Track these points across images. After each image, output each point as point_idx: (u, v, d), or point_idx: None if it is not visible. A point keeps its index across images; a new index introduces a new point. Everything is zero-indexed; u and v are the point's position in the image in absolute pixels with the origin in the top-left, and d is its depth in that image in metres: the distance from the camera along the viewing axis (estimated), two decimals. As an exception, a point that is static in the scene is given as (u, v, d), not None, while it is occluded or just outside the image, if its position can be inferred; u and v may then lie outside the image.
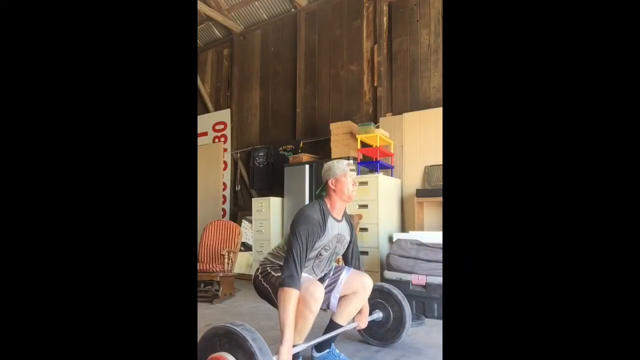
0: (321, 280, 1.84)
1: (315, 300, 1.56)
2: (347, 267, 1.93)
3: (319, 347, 1.91)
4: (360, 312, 1.93)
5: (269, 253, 1.86)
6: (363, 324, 1.94)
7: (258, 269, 1.83)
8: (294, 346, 1.63)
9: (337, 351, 1.93)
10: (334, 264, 1.93)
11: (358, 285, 1.84)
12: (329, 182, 1.76)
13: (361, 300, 1.87)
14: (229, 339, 1.32)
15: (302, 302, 1.57)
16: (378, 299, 2.14)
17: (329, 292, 1.83)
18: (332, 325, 1.90)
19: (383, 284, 2.21)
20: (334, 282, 1.86)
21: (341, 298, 1.87)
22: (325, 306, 1.83)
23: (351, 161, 1.88)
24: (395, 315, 2.11)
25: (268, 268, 1.77)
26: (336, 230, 1.77)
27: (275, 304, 1.67)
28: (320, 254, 1.76)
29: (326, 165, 1.82)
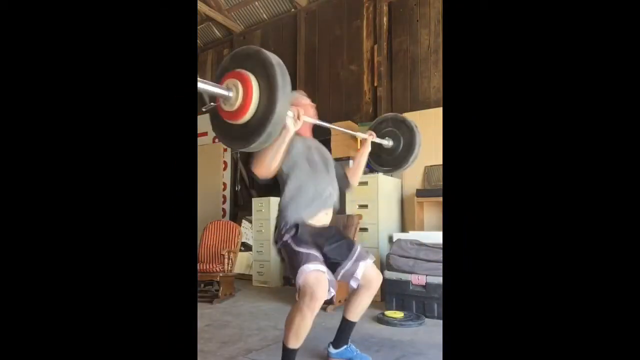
0: (336, 265, 1.78)
1: (317, 300, 1.53)
2: (367, 257, 1.87)
3: (336, 344, 1.92)
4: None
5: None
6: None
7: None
8: (290, 350, 1.62)
9: (354, 347, 1.93)
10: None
11: (372, 277, 1.82)
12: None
13: (372, 296, 1.85)
14: (262, 64, 1.21)
15: (303, 298, 1.55)
16: (391, 127, 2.15)
17: (350, 274, 1.79)
18: (345, 323, 1.90)
19: (397, 114, 2.26)
20: (353, 268, 1.80)
21: (352, 294, 1.86)
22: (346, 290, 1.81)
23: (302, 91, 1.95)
24: (406, 142, 2.12)
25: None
26: (307, 142, 1.85)
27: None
28: (311, 162, 1.80)
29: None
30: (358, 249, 1.85)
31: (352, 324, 1.90)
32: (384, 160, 2.21)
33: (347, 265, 1.78)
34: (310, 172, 1.79)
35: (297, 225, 1.71)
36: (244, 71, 1.22)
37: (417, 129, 2.15)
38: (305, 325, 1.57)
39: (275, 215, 1.83)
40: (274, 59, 1.20)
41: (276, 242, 1.80)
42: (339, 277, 1.78)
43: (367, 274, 1.80)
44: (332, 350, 1.92)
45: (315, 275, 1.57)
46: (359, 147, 3.82)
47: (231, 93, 1.21)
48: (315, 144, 1.94)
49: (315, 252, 1.67)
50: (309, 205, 1.76)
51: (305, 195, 1.76)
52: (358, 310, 1.88)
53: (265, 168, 1.62)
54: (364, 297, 1.84)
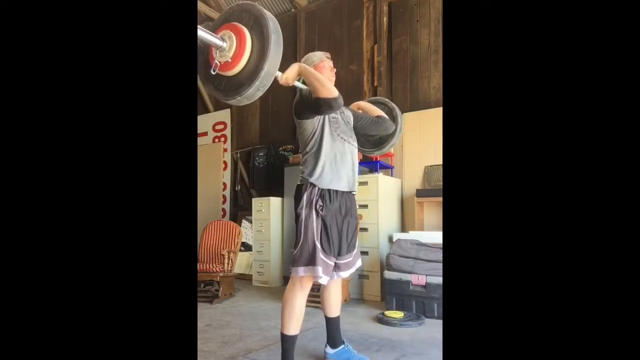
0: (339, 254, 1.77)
1: (308, 287, 1.63)
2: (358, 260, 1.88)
3: (331, 343, 1.91)
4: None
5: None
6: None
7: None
8: (290, 337, 1.64)
9: (351, 347, 1.93)
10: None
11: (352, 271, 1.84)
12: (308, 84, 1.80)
13: (340, 286, 1.89)
14: (255, 18, 1.26)
15: (295, 284, 1.62)
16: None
17: (349, 267, 1.79)
18: (329, 321, 1.90)
19: (375, 97, 2.29)
20: (346, 265, 1.80)
21: (327, 294, 1.87)
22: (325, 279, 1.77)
23: (327, 53, 1.93)
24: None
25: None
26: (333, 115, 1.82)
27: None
28: (334, 119, 1.78)
29: (303, 57, 1.90)
30: (356, 249, 1.86)
31: (336, 319, 1.90)
32: (366, 142, 2.20)
33: (342, 262, 1.78)
34: (336, 139, 1.76)
35: (323, 196, 1.68)
36: (239, 24, 1.27)
37: (398, 110, 2.17)
38: (299, 308, 1.63)
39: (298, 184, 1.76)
40: (267, 13, 1.25)
41: (304, 201, 1.70)
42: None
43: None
44: (329, 350, 1.91)
45: (308, 279, 1.64)
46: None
47: (225, 44, 1.25)
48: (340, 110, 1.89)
49: (330, 261, 1.66)
50: (334, 174, 1.72)
51: (329, 167, 1.72)
52: (333, 303, 1.89)
53: (328, 89, 1.55)
54: (333, 290, 1.87)
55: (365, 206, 3.59)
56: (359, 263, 1.88)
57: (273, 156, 5.21)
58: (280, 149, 5.14)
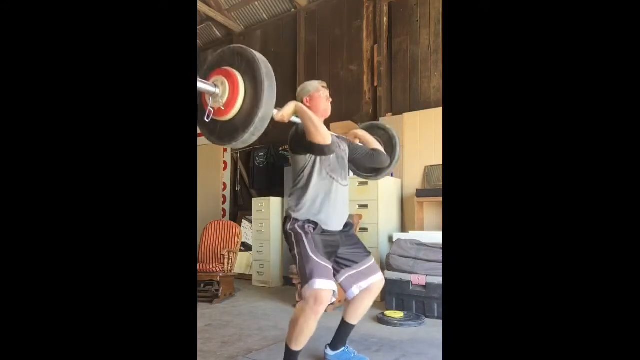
0: (345, 267, 1.78)
1: (322, 304, 1.54)
2: (378, 270, 1.86)
3: (333, 345, 1.90)
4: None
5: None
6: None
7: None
8: (293, 351, 1.62)
9: (352, 348, 1.93)
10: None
11: (376, 281, 1.81)
12: (304, 101, 1.79)
13: (373, 299, 1.85)
14: (247, 62, 1.25)
15: (308, 302, 1.54)
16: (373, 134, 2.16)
17: (354, 281, 1.77)
18: (344, 325, 1.89)
19: (372, 122, 2.34)
20: (361, 274, 1.79)
21: (355, 301, 1.83)
22: (344, 296, 1.79)
23: (323, 82, 1.90)
24: (385, 145, 2.15)
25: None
26: None
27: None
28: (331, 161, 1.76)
29: (300, 87, 1.88)
30: (372, 261, 1.84)
31: (352, 326, 1.89)
32: (367, 169, 2.20)
33: (354, 272, 1.78)
34: (325, 179, 1.74)
35: (316, 225, 1.68)
36: (230, 68, 1.26)
37: (397, 138, 2.17)
38: (309, 328, 1.57)
39: (285, 208, 1.78)
40: (259, 56, 1.24)
41: (288, 228, 1.72)
42: (342, 279, 1.77)
43: (371, 271, 1.81)
44: (329, 352, 1.91)
45: (324, 293, 1.56)
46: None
47: (218, 90, 1.24)
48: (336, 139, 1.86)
49: (327, 264, 1.64)
50: (321, 213, 1.72)
51: (316, 204, 1.72)
52: (359, 313, 1.87)
53: (322, 135, 1.55)
54: (365, 300, 1.83)
55: (365, 206, 3.59)
56: (379, 277, 1.83)
57: (273, 156, 5.21)
58: (280, 149, 5.14)
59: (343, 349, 1.91)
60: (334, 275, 1.72)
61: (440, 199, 3.38)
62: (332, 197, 1.73)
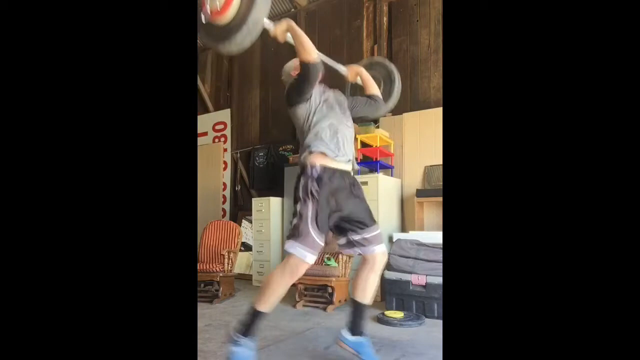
0: (349, 232, 1.82)
1: (298, 274, 1.65)
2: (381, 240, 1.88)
3: (352, 329, 1.81)
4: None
5: None
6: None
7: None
8: (260, 313, 1.70)
9: (370, 343, 1.82)
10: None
11: (378, 254, 1.82)
12: (292, 75, 1.87)
13: (378, 274, 1.85)
14: None
15: (285, 267, 1.63)
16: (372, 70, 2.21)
17: (367, 244, 1.81)
18: (355, 305, 1.84)
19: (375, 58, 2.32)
20: (364, 244, 1.82)
21: (358, 276, 1.84)
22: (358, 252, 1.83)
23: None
24: (385, 80, 2.23)
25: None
26: (324, 96, 1.88)
27: None
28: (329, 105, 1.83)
29: (283, 68, 2.00)
30: (378, 230, 1.87)
31: (363, 306, 1.82)
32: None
33: (359, 237, 1.80)
34: (329, 114, 1.81)
35: (320, 178, 1.70)
36: None
37: (393, 66, 2.24)
38: (280, 292, 1.67)
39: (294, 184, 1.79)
40: None
41: (301, 184, 1.75)
42: (343, 242, 1.83)
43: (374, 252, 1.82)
44: (347, 335, 1.80)
45: (304, 265, 1.64)
46: (359, 147, 3.80)
47: None
48: (331, 92, 1.98)
49: (320, 240, 1.67)
50: (331, 141, 1.77)
51: (325, 133, 1.77)
52: (366, 289, 1.81)
53: (308, 52, 1.63)
54: (369, 275, 1.82)
55: (365, 206, 3.58)
56: (382, 248, 1.85)
57: (273, 156, 5.21)
58: (280, 149, 5.14)
59: (364, 339, 1.79)
60: (342, 235, 1.83)
61: (440, 199, 3.38)
62: (340, 134, 1.79)
